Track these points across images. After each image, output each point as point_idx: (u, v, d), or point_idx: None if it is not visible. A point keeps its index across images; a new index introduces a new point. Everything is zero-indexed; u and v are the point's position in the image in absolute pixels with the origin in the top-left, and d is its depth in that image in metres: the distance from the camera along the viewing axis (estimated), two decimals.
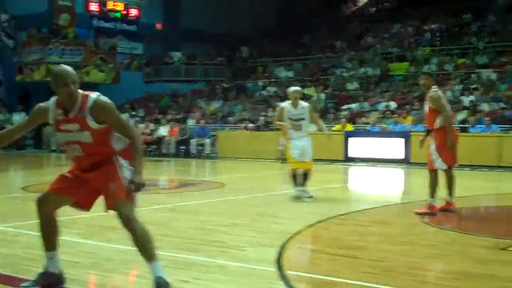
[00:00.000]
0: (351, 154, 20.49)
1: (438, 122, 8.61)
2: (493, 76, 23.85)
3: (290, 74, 30.44)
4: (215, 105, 28.36)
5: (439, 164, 8.64)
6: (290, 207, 9.70)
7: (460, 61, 26.34)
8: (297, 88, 11.12)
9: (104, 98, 4.56)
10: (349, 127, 21.55)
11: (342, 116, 22.58)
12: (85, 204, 4.78)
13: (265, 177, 15.82)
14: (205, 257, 5.84)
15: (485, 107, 20.82)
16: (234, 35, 34.68)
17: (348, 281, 4.96)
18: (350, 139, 20.59)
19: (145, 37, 34.24)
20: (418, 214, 8.50)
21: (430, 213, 8.50)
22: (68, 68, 4.53)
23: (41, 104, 4.68)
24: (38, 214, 4.67)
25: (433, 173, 8.73)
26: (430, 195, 8.71)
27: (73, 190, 4.68)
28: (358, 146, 20.50)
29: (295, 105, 10.54)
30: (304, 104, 10.76)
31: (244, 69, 33.26)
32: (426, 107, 8.81)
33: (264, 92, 28.98)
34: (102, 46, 31.37)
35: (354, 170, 18.38)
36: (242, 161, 20.74)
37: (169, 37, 34.37)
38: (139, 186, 4.43)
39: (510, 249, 6.34)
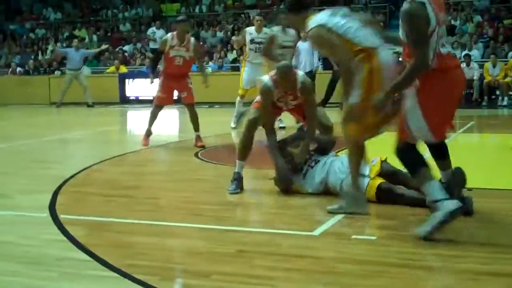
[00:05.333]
0: (127, 96, 20.47)
1: None
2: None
3: (59, 15, 29.16)
4: None
5: None
6: (64, 153, 9.51)
7: (229, 2, 27.03)
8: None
9: None
10: (123, 69, 21.37)
11: (116, 58, 22.32)
12: None
13: (37, 123, 15.22)
14: None
15: None
16: None
17: (123, 220, 5.03)
18: (127, 81, 20.55)
19: None
20: None
21: None
22: None
23: None
24: None
25: None
26: None
27: None
28: (134, 88, 20.46)
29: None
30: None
31: (8, 11, 31.19)
32: None
33: (32, 35, 27.58)
34: None
35: (131, 112, 18.33)
36: (11, 107, 19.72)
37: None
38: None
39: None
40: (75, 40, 20.68)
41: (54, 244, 4.40)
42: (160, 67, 9.66)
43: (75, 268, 3.88)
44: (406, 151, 4.45)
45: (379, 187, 5.28)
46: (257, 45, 10.98)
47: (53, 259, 4.06)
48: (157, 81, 9.62)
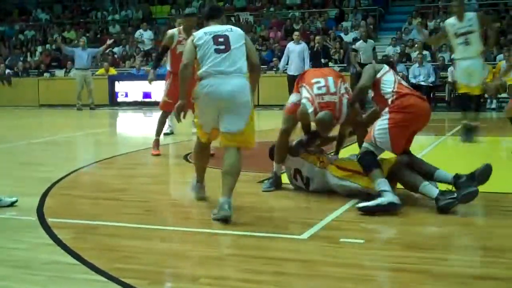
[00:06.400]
0: (116, 98, 20.44)
1: None
2: (251, 18, 24.91)
3: (49, 17, 29.06)
4: None
5: None
6: (53, 155, 9.45)
7: (219, 4, 27.02)
8: None
9: None
10: (113, 71, 21.33)
11: (105, 60, 22.25)
12: None
13: (26, 125, 15.16)
14: None
15: None
16: None
17: (111, 223, 5.01)
18: (116, 83, 20.50)
19: None
20: None
21: None
22: None
23: None
24: None
25: None
26: None
27: None
28: (123, 90, 20.42)
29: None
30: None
31: None
32: None
33: (21, 36, 27.50)
34: None
35: (120, 114, 18.29)
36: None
37: None
38: None
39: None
40: (82, 40, 20.43)
41: (41, 248, 4.38)
42: (168, 68, 9.36)
43: (62, 272, 3.86)
44: (366, 154, 5.38)
45: (395, 162, 5.52)
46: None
47: (41, 263, 4.04)
48: (156, 84, 9.40)
